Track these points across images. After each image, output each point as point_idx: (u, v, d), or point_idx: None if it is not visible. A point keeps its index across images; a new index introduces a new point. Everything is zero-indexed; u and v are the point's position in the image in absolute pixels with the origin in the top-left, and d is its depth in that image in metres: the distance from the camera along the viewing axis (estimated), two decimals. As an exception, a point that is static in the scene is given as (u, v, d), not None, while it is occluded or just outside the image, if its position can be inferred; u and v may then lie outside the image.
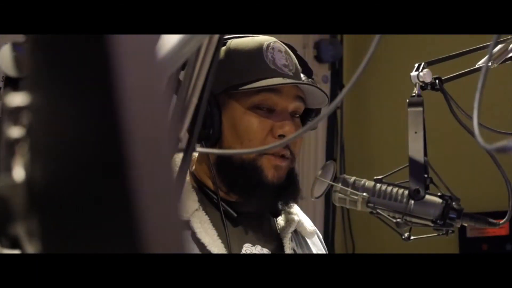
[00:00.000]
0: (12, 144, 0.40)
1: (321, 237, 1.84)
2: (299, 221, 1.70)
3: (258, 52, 1.61)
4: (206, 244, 1.54)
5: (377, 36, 0.86)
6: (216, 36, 0.92)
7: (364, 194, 1.37)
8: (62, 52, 0.39)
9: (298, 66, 1.68)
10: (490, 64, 1.46)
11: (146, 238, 0.34)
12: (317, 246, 1.77)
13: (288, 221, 1.68)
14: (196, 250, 1.53)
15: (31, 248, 0.38)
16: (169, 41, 0.78)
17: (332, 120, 4.40)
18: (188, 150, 0.92)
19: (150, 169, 0.35)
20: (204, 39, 0.90)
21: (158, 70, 0.39)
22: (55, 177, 0.37)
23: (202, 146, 1.62)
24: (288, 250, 1.63)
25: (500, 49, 1.45)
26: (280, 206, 1.68)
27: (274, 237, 1.66)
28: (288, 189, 1.64)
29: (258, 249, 1.61)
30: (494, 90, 3.47)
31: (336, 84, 4.36)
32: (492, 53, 1.46)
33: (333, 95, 4.40)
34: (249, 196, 1.62)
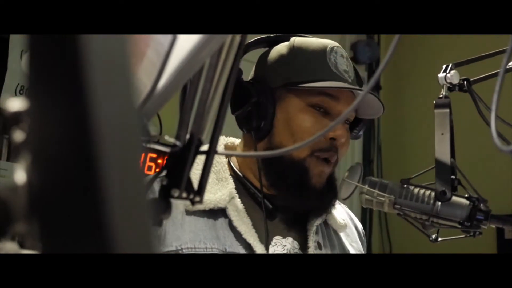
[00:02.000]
0: (16, 148, 0.41)
1: (359, 227, 1.86)
2: (329, 215, 1.71)
3: (322, 53, 1.63)
4: (242, 233, 1.55)
5: (396, 36, 0.86)
6: (238, 37, 0.92)
7: (391, 195, 1.37)
8: (41, 55, 0.40)
9: (355, 74, 1.70)
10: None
11: (116, 239, 0.35)
12: (351, 237, 1.79)
13: (317, 215, 1.69)
14: (231, 238, 1.55)
15: (31, 248, 0.40)
16: (187, 42, 0.78)
17: (369, 122, 4.39)
18: (210, 153, 0.92)
19: (120, 173, 0.37)
20: (226, 38, 0.90)
21: (128, 71, 0.40)
22: (40, 180, 0.38)
23: (251, 137, 1.65)
24: (311, 242, 1.63)
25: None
26: (314, 209, 1.69)
27: (303, 230, 1.67)
28: (327, 195, 1.65)
29: (289, 241, 1.62)
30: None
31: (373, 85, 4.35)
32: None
33: (370, 96, 4.40)
34: (290, 194, 1.64)
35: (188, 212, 1.56)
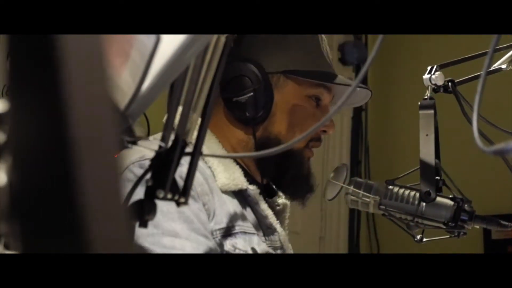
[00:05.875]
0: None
1: None
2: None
3: (316, 42, 1.61)
4: (269, 216, 1.55)
5: (380, 36, 0.86)
6: (223, 38, 0.92)
7: (376, 196, 1.38)
8: (18, 56, 0.40)
9: None
10: (505, 66, 1.47)
11: (93, 239, 0.36)
12: None
13: (284, 209, 1.68)
14: (253, 219, 1.53)
15: (15, 249, 0.40)
16: (172, 43, 0.79)
17: (357, 123, 4.40)
18: (195, 154, 0.93)
19: (95, 172, 0.37)
20: (211, 40, 0.90)
21: (103, 71, 0.41)
22: (19, 181, 0.38)
23: (246, 125, 1.58)
24: (283, 233, 1.63)
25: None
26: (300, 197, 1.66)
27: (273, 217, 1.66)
28: (309, 183, 1.64)
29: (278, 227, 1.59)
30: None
31: (361, 86, 4.35)
32: (509, 56, 1.47)
33: (357, 98, 4.40)
34: (285, 185, 1.63)
35: (223, 191, 1.49)
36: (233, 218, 1.46)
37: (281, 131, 1.56)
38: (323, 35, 1.63)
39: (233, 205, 1.49)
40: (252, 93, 1.53)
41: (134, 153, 1.40)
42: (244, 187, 1.52)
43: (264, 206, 1.55)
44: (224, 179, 1.48)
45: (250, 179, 1.58)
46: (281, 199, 1.69)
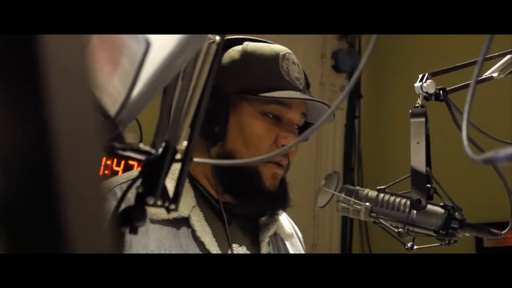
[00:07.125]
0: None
1: (300, 236, 1.88)
2: (278, 225, 1.73)
3: (274, 60, 1.64)
4: (205, 243, 1.56)
5: (374, 36, 0.86)
6: (214, 45, 0.92)
7: (367, 204, 1.38)
8: (3, 62, 0.40)
9: (306, 80, 1.71)
10: (496, 75, 1.47)
11: (73, 240, 0.36)
12: (295, 246, 1.81)
13: (268, 225, 1.71)
14: (193, 247, 1.56)
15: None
16: (162, 49, 0.79)
17: (350, 130, 4.41)
18: (185, 161, 0.93)
19: (76, 175, 0.37)
20: (204, 43, 0.90)
21: (87, 78, 0.41)
22: (3, 189, 0.38)
23: (204, 142, 1.64)
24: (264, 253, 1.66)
25: (507, 60, 1.46)
26: (268, 212, 1.71)
27: (255, 240, 1.69)
28: (281, 197, 1.67)
29: (244, 250, 1.63)
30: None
31: (354, 93, 4.37)
32: (500, 65, 1.47)
33: (350, 104, 4.42)
34: (245, 200, 1.65)
35: (153, 221, 1.55)
36: (155, 248, 1.53)
37: (235, 147, 1.63)
38: (286, 54, 1.67)
39: (159, 235, 1.55)
40: (207, 113, 1.59)
41: (122, 175, 1.44)
42: (185, 215, 1.57)
43: (201, 233, 1.58)
44: (152, 208, 1.53)
45: (210, 200, 1.65)
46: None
